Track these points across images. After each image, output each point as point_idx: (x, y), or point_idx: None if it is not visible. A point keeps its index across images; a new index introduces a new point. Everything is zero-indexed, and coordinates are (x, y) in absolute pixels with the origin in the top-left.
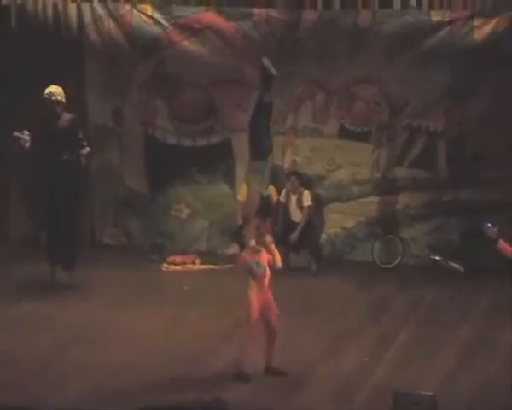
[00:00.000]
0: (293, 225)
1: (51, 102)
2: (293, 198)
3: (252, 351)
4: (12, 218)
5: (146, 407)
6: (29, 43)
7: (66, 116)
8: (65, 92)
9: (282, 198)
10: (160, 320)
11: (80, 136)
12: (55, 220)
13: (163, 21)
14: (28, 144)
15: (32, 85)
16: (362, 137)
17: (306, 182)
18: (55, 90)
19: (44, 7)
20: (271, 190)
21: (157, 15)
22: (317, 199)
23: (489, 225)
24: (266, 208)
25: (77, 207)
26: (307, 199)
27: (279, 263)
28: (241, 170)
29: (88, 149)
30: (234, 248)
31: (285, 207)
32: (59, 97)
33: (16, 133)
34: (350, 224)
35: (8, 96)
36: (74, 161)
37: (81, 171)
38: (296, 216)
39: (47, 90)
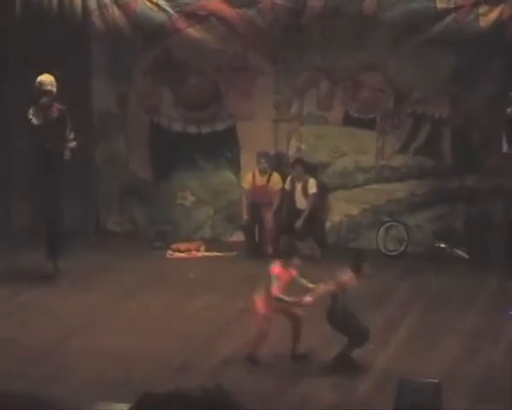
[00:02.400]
0: (299, 212)
1: (41, 92)
2: (299, 186)
3: (262, 340)
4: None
5: (146, 395)
6: (33, 30)
7: (56, 106)
8: (70, 79)
9: (287, 186)
10: (164, 307)
11: (68, 128)
12: (39, 209)
13: (168, 8)
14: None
15: (36, 72)
16: (366, 124)
17: (311, 169)
18: (45, 80)
19: None
20: (276, 177)
21: (162, 2)
22: (321, 186)
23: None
24: None
25: (58, 197)
26: (312, 187)
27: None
28: (245, 157)
29: (74, 143)
30: (237, 236)
31: (290, 195)
32: (48, 87)
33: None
34: (355, 211)
35: (13, 83)
36: (58, 152)
37: (63, 162)
38: (301, 204)
39: (38, 79)
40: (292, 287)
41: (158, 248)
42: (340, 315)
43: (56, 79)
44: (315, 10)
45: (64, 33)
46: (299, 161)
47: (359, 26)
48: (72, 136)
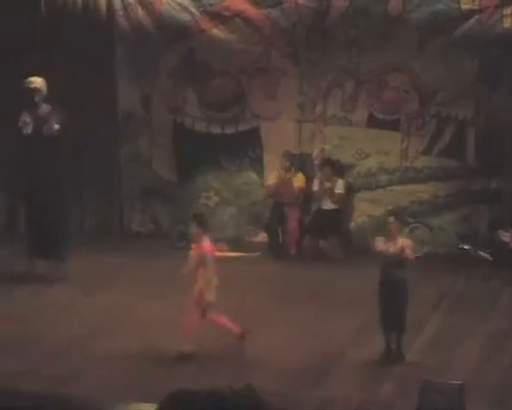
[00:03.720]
0: (324, 213)
1: (29, 91)
2: (326, 186)
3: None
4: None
5: (172, 394)
6: (58, 30)
7: (45, 107)
8: (94, 79)
9: (315, 186)
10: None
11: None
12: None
13: (192, 8)
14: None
15: (61, 71)
16: (390, 125)
17: (339, 169)
18: (34, 79)
19: None
20: (300, 177)
21: (186, 2)
22: (347, 187)
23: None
24: None
25: (54, 196)
26: (340, 187)
27: None
28: (268, 158)
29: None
30: (261, 236)
31: (316, 195)
32: (37, 85)
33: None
34: (378, 212)
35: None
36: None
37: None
38: (327, 204)
39: (27, 79)
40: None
41: (181, 248)
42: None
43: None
44: (339, 11)
45: (88, 33)
46: (327, 161)
47: (384, 27)
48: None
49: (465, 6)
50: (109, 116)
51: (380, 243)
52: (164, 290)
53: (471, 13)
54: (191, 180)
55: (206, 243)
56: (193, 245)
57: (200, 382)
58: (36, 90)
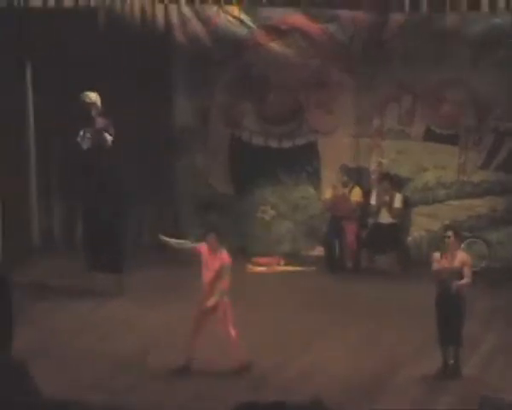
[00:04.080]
0: (382, 227)
1: (86, 105)
2: (384, 200)
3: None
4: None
5: (242, 406)
6: (117, 46)
7: (101, 120)
8: (151, 93)
9: (373, 200)
10: (248, 320)
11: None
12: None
13: (249, 22)
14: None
15: (118, 87)
16: (448, 139)
17: (397, 184)
18: (90, 94)
19: (132, 8)
20: (357, 191)
21: (243, 16)
22: (404, 201)
23: None
24: None
25: (111, 210)
26: (398, 201)
27: None
28: (326, 172)
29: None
30: (318, 250)
31: (374, 209)
32: (93, 100)
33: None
34: (435, 226)
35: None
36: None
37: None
38: (384, 218)
39: (83, 94)
40: None
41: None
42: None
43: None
44: (397, 25)
45: (146, 47)
46: (386, 175)
47: (441, 41)
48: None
49: None
50: (166, 130)
51: (437, 259)
52: None
53: None
54: (248, 194)
55: (225, 254)
56: (209, 257)
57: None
58: (92, 105)
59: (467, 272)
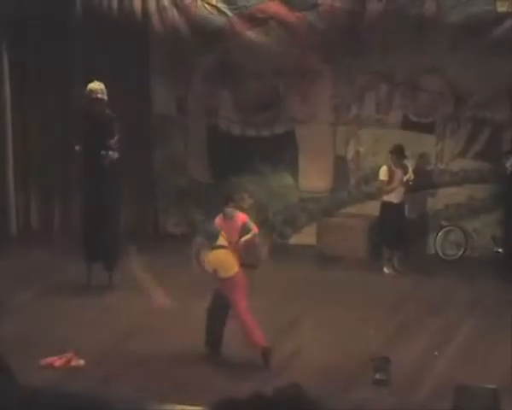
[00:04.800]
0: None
1: (91, 100)
2: None
3: None
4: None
5: (224, 400)
6: (94, 33)
7: (106, 115)
8: (129, 82)
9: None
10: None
11: (114, 137)
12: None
13: (227, 11)
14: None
15: (95, 76)
16: (425, 128)
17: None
18: (95, 87)
19: None
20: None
21: (221, 5)
22: None
23: None
24: None
25: (111, 205)
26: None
27: None
28: (304, 160)
29: (116, 155)
30: (295, 238)
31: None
32: (99, 95)
33: (103, 152)
34: (413, 215)
35: (73, 85)
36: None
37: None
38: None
39: (88, 87)
40: None
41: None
42: None
43: (115, 83)
44: (374, 13)
45: (123, 36)
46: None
47: (419, 29)
48: (116, 145)
49: (501, 8)
50: (144, 119)
51: None
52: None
53: (507, 15)
54: (225, 183)
55: (241, 214)
56: (226, 226)
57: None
58: (98, 100)
59: None
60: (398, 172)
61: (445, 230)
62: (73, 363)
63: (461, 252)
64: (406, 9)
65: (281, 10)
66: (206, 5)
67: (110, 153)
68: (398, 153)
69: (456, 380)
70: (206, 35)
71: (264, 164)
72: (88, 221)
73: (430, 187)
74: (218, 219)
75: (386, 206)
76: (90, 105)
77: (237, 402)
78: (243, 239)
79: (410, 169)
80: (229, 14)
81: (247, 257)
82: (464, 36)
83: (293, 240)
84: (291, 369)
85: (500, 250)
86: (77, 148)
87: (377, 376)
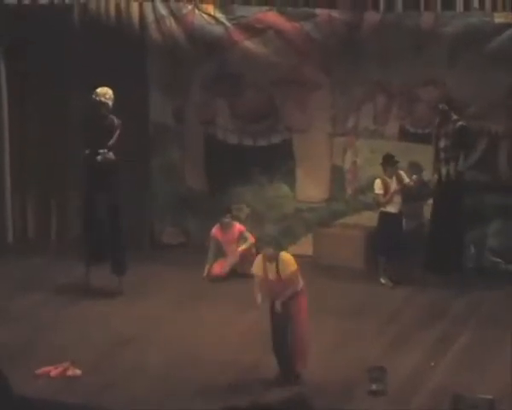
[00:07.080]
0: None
1: (97, 104)
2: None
3: None
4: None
5: (227, 408)
6: (91, 42)
7: (112, 120)
8: (126, 91)
9: None
10: (218, 319)
11: (114, 140)
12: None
13: (225, 21)
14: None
15: (93, 85)
16: (422, 138)
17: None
18: (102, 92)
19: (107, 6)
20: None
21: (219, 15)
22: None
23: None
24: None
25: (114, 211)
26: None
27: None
28: (301, 170)
29: (112, 155)
30: (292, 249)
31: None
32: (103, 99)
33: (101, 151)
34: (411, 225)
35: (71, 95)
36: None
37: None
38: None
39: (96, 91)
40: None
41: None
42: None
43: (112, 92)
44: (372, 24)
45: (121, 45)
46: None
47: (416, 41)
48: (113, 145)
49: (499, 20)
50: (141, 128)
51: None
52: (197, 301)
53: (505, 26)
54: (222, 192)
55: (238, 225)
56: (223, 237)
57: None
58: (104, 104)
59: None
60: (393, 182)
61: None
62: (70, 373)
63: None
64: (404, 21)
65: (278, 20)
66: (203, 15)
67: (105, 151)
68: (388, 163)
69: (452, 390)
70: (203, 45)
71: (260, 174)
72: (90, 222)
73: (428, 197)
74: (215, 230)
75: (384, 216)
76: (94, 108)
77: None
78: (240, 249)
79: (405, 176)
80: (227, 23)
81: (244, 266)
82: (462, 47)
83: (290, 250)
84: None
85: (497, 260)
86: (87, 152)
87: (373, 387)
